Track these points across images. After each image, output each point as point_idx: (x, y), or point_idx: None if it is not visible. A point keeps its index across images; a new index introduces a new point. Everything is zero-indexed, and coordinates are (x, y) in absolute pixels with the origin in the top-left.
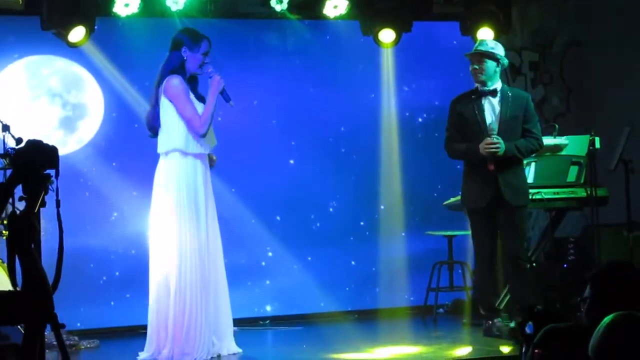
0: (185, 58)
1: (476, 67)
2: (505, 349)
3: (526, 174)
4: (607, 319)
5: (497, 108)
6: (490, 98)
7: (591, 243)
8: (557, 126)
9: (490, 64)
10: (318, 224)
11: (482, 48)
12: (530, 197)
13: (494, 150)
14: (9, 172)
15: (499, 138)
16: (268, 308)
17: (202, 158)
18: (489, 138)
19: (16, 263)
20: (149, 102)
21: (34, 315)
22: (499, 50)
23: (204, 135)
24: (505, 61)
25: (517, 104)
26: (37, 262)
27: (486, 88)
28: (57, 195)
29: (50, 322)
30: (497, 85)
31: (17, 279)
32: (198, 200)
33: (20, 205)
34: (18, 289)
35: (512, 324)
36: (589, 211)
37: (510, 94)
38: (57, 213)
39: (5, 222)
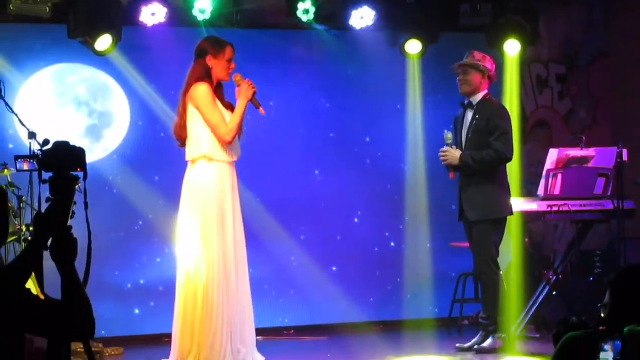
0: (210, 66)
1: (460, 78)
2: None
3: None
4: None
5: (469, 120)
6: (469, 110)
7: (617, 256)
8: (584, 138)
9: (475, 76)
10: (343, 234)
11: (468, 60)
12: (556, 208)
13: (442, 158)
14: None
15: (451, 147)
16: (292, 318)
17: (229, 166)
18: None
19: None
20: (176, 112)
21: (75, 330)
22: (486, 62)
23: (229, 143)
24: (492, 73)
25: (484, 116)
26: (78, 277)
27: (467, 100)
28: (85, 197)
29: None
30: (481, 96)
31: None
32: (225, 208)
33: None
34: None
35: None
36: (615, 224)
37: (483, 106)
38: (86, 216)
39: (31, 228)
